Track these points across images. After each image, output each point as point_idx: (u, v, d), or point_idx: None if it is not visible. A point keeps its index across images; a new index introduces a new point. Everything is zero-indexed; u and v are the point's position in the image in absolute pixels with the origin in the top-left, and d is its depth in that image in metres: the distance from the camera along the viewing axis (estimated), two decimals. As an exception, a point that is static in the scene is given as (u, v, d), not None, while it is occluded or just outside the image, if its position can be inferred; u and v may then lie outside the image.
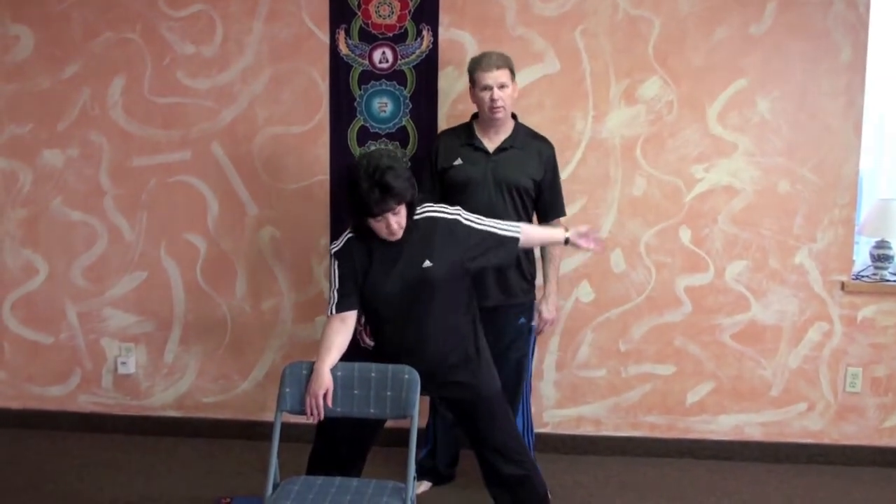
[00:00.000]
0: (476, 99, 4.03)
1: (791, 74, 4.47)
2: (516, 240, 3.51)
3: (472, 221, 3.48)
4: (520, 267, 4.10)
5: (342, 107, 4.63)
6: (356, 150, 4.61)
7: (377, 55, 4.59)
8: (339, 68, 4.61)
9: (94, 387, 5.03)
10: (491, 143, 4.06)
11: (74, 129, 4.83)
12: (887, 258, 4.65)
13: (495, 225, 3.51)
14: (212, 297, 4.88)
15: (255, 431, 4.85)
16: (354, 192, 3.28)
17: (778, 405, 4.70)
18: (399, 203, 3.29)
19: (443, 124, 4.57)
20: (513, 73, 4.00)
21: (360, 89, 4.61)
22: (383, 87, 4.61)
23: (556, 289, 4.22)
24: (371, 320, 3.56)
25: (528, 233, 3.59)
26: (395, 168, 3.28)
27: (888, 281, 4.63)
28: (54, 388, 5.06)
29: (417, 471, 4.33)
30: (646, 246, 4.62)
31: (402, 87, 4.59)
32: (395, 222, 3.31)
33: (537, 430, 4.71)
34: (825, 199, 4.53)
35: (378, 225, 3.32)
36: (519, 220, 4.03)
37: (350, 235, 3.45)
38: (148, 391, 5.01)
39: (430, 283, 3.38)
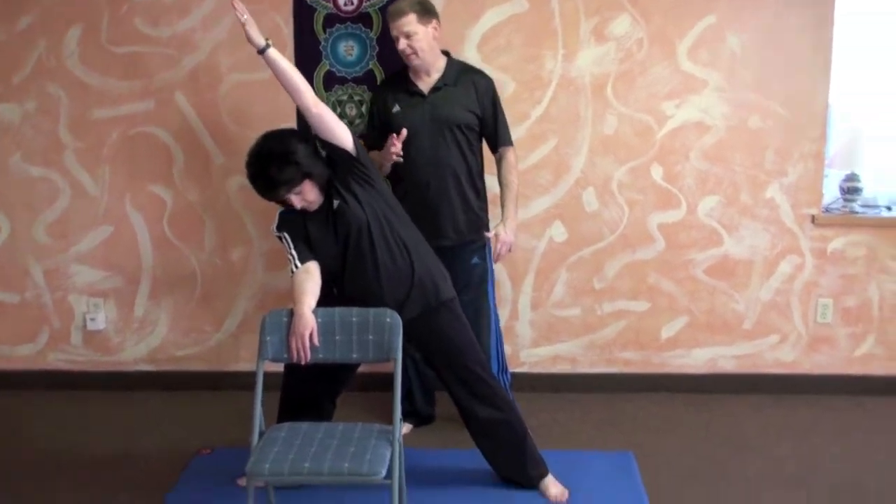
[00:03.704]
0: None
1: (760, 9, 4.45)
2: (307, 108, 3.46)
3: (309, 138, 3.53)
4: (469, 205, 4.08)
5: (307, 51, 4.54)
6: (323, 95, 4.54)
7: (341, -2, 4.51)
8: (302, 12, 4.52)
9: (64, 344, 4.96)
10: (425, 85, 4.02)
11: (31, 82, 4.69)
12: (856, 191, 4.69)
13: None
14: (180, 249, 4.81)
15: (230, 382, 4.81)
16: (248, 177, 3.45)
17: (751, 338, 4.76)
18: (290, 189, 3.38)
19: (411, 67, 4.52)
20: (426, 13, 3.91)
21: (325, 33, 4.53)
22: (349, 30, 4.53)
23: (515, 214, 4.12)
24: (330, 283, 3.56)
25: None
26: (281, 155, 3.35)
27: (857, 213, 4.67)
28: (23, 347, 4.98)
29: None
30: (618, 184, 4.61)
31: (368, 30, 4.52)
32: (298, 200, 3.43)
33: (514, 369, 4.73)
34: (795, 133, 4.54)
35: (287, 202, 3.44)
36: (464, 159, 4.02)
37: (281, 211, 3.55)
38: (119, 346, 4.94)
39: (347, 223, 3.46)
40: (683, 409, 4.61)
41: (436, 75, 4.01)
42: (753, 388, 4.77)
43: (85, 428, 4.52)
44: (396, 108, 4.01)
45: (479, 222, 4.15)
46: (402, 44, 3.88)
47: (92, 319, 4.89)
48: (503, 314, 4.72)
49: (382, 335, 3.34)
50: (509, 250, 4.14)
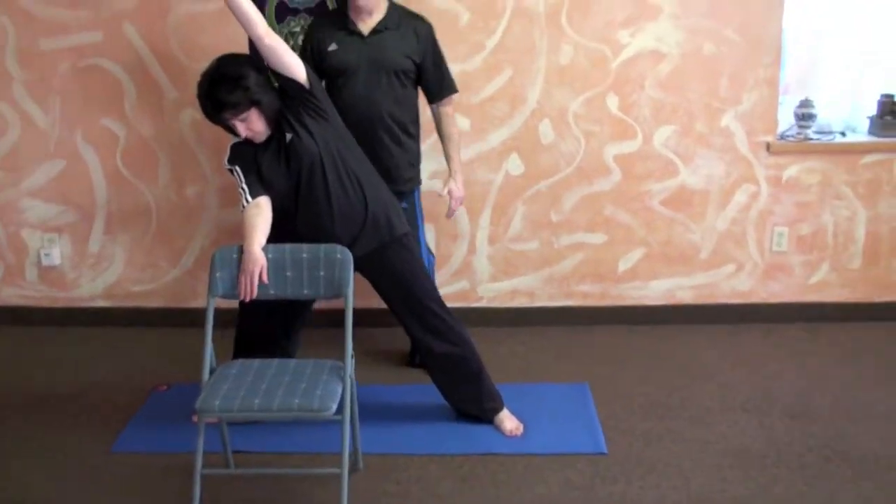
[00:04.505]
0: None
1: (714, -69, 4.39)
2: (258, 38, 3.37)
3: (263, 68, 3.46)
4: (401, 151, 4.00)
5: (258, -19, 4.44)
6: (275, 27, 4.45)
7: (291, -76, 4.40)
8: (252, -60, 4.41)
9: (19, 279, 4.93)
10: (365, 26, 3.88)
11: (-26, 13, 4.59)
12: (810, 117, 4.66)
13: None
14: (134, 184, 4.75)
15: (187, 319, 4.77)
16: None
17: (707, 268, 4.78)
18: (235, 114, 3.32)
19: (364, -3, 4.44)
20: None
21: (276, -37, 4.44)
22: (300, -42, 4.44)
23: (461, 166, 4.12)
24: (281, 220, 3.51)
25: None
26: (232, 78, 3.29)
27: (811, 140, 4.66)
28: (-24, 283, 4.95)
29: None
30: (574, 115, 4.58)
31: (320, -41, 4.43)
32: (244, 129, 3.38)
33: (471, 304, 4.79)
34: (749, 60, 4.50)
35: (234, 128, 3.39)
36: (398, 104, 3.92)
37: (233, 142, 3.50)
38: (75, 282, 4.91)
39: (300, 156, 3.42)
40: (641, 340, 4.65)
41: (377, 16, 3.89)
42: (711, 318, 4.80)
43: (41, 364, 4.51)
44: (333, 47, 3.88)
45: (411, 170, 4.08)
46: None
47: (47, 255, 4.85)
48: (460, 249, 4.74)
49: (333, 271, 3.32)
50: (461, 204, 4.13)
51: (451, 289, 4.75)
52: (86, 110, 4.67)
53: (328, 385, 3.14)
